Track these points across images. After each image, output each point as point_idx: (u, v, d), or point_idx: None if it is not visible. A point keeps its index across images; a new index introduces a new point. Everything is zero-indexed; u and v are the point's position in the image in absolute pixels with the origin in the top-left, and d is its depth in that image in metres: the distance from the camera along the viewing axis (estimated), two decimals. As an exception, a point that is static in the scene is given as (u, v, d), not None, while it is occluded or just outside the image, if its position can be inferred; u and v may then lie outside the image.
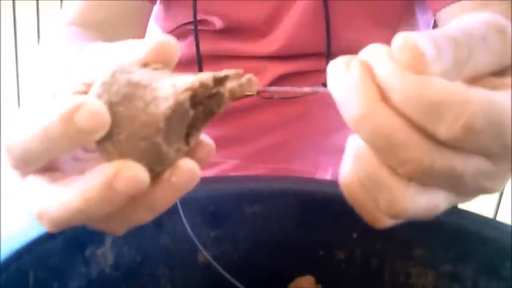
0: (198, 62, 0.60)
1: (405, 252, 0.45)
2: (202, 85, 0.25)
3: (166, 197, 0.25)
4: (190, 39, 0.61)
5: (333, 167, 0.65)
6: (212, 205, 0.45)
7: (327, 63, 0.25)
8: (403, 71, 0.22)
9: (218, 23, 0.60)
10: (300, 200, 0.47)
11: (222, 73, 0.27)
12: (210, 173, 0.64)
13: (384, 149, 0.23)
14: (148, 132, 0.24)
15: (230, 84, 0.27)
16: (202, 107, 0.26)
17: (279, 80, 0.61)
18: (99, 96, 0.24)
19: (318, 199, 0.47)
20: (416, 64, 0.22)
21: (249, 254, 0.47)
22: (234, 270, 0.46)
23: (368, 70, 0.23)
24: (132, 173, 0.23)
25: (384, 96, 0.22)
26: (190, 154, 0.27)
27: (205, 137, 0.28)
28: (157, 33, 0.66)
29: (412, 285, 0.45)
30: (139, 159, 0.24)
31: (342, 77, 0.23)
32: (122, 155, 0.24)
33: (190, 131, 0.26)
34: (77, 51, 0.42)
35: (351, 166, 0.25)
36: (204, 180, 0.51)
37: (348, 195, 0.25)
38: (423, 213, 0.24)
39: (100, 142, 0.24)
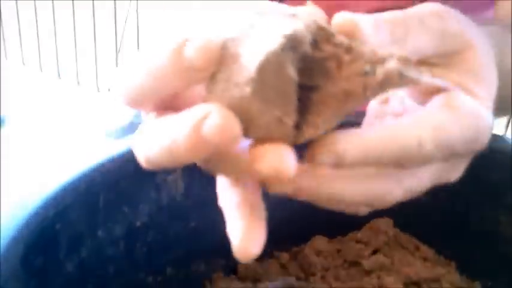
0: None
1: (495, 198, 0.41)
2: (296, 34, 0.20)
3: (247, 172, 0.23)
4: None
5: None
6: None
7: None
8: None
9: None
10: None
11: (385, 52, 0.21)
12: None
13: None
14: (241, 78, 0.20)
15: (390, 66, 0.21)
16: (342, 83, 0.21)
17: None
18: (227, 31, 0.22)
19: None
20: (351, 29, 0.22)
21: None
22: (297, 209, 0.44)
23: None
24: (221, 120, 0.20)
25: None
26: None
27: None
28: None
29: (501, 234, 0.42)
30: (232, 109, 0.21)
31: None
32: (217, 98, 0.21)
33: (315, 109, 0.21)
34: None
35: None
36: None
37: None
38: None
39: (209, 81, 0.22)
